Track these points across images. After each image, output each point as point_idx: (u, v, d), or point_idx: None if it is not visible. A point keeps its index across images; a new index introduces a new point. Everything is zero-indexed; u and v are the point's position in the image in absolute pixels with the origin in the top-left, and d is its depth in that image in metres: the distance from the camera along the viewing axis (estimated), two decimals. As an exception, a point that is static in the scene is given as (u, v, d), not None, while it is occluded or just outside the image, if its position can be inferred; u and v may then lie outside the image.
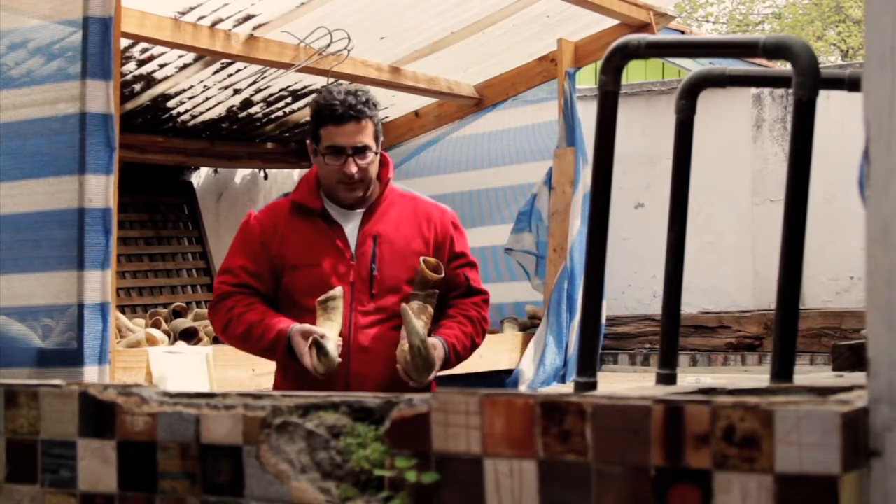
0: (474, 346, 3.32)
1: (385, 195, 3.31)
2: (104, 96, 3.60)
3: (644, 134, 7.94)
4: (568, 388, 6.03)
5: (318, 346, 3.02)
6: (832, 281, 7.77)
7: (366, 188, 3.26)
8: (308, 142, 3.32)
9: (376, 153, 3.25)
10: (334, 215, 3.28)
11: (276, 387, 3.33)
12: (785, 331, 2.02)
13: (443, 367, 3.21)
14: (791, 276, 2.03)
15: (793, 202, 2.03)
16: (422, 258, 3.20)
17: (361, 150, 3.21)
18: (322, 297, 3.09)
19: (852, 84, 2.29)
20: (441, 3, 6.36)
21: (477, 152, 7.73)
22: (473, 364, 5.23)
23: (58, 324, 3.68)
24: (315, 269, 3.23)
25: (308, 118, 7.46)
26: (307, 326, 3.10)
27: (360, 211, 3.29)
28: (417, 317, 3.10)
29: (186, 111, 7.05)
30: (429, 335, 3.17)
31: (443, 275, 3.19)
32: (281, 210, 3.33)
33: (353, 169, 3.19)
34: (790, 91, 2.09)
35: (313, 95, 7.13)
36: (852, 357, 2.75)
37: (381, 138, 3.29)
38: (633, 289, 8.30)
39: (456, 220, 3.40)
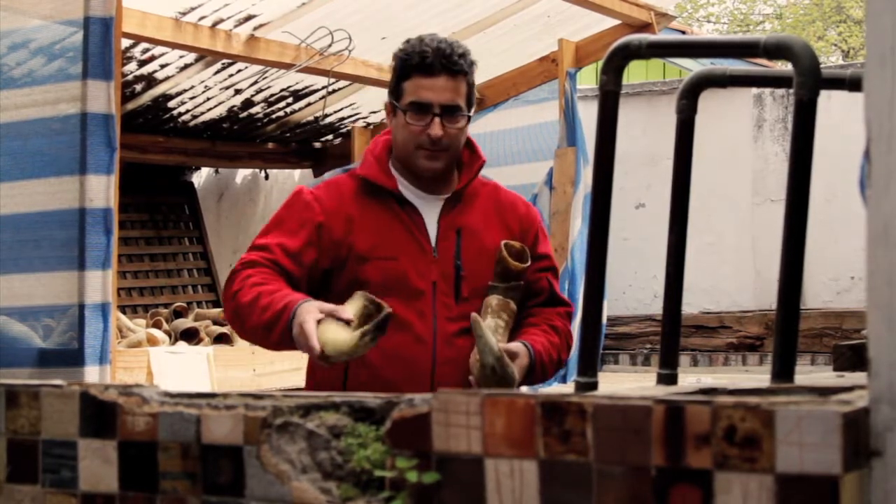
0: (560, 363, 2.77)
1: (473, 183, 2.80)
2: (105, 96, 3.60)
3: (645, 134, 7.93)
4: (569, 388, 6.03)
5: (380, 325, 2.40)
6: (833, 281, 7.77)
7: (449, 160, 2.74)
8: (386, 101, 2.79)
9: (468, 119, 2.73)
10: (411, 199, 2.75)
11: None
12: (786, 331, 2.02)
13: (527, 379, 2.67)
14: (792, 276, 2.02)
15: (793, 202, 2.03)
16: (503, 242, 2.66)
17: (451, 111, 2.68)
18: (377, 300, 2.49)
19: (853, 84, 2.29)
20: (442, 3, 6.36)
21: (478, 152, 7.72)
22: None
23: (59, 324, 3.68)
24: (391, 262, 2.68)
25: (308, 119, 7.49)
26: (330, 305, 2.50)
27: (441, 197, 2.77)
28: (497, 315, 2.61)
29: (187, 111, 7.05)
30: (509, 339, 2.66)
31: (528, 263, 2.67)
32: (344, 187, 2.76)
33: (439, 131, 2.66)
34: (791, 91, 2.09)
35: (315, 95, 7.17)
36: (853, 357, 2.75)
37: (474, 105, 2.77)
38: (633, 289, 8.30)
39: (541, 218, 2.94)
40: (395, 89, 2.73)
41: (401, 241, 2.71)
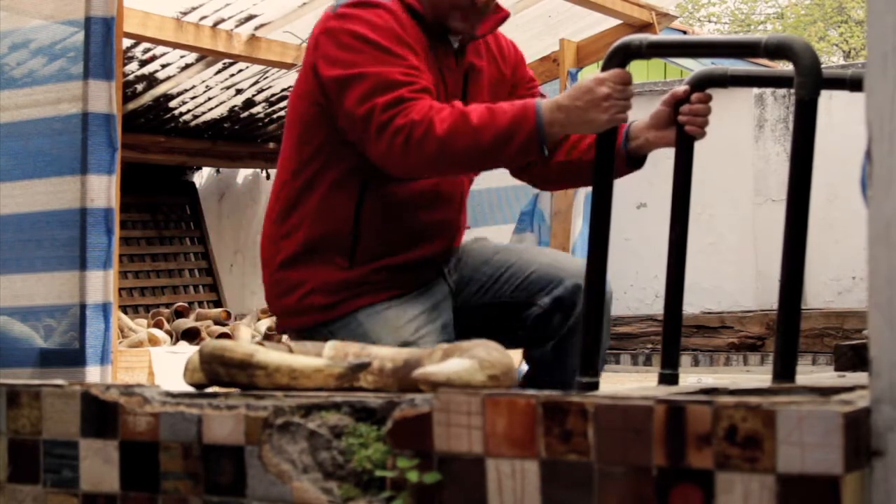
0: None
1: None
2: (106, 96, 3.60)
3: (646, 134, 7.93)
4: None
5: None
6: (834, 281, 7.76)
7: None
8: None
9: None
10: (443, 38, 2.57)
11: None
12: (787, 331, 2.02)
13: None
14: (793, 276, 2.03)
15: (794, 202, 2.03)
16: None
17: None
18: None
19: (854, 84, 2.29)
20: (443, 3, 6.35)
21: (479, 152, 7.72)
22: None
23: (60, 324, 3.68)
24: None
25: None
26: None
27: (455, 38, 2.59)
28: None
29: (188, 111, 7.05)
30: None
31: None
32: (399, 13, 2.49)
33: None
34: (792, 91, 2.09)
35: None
36: (854, 357, 2.75)
37: None
38: (634, 289, 8.30)
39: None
40: None
41: (439, 81, 2.53)
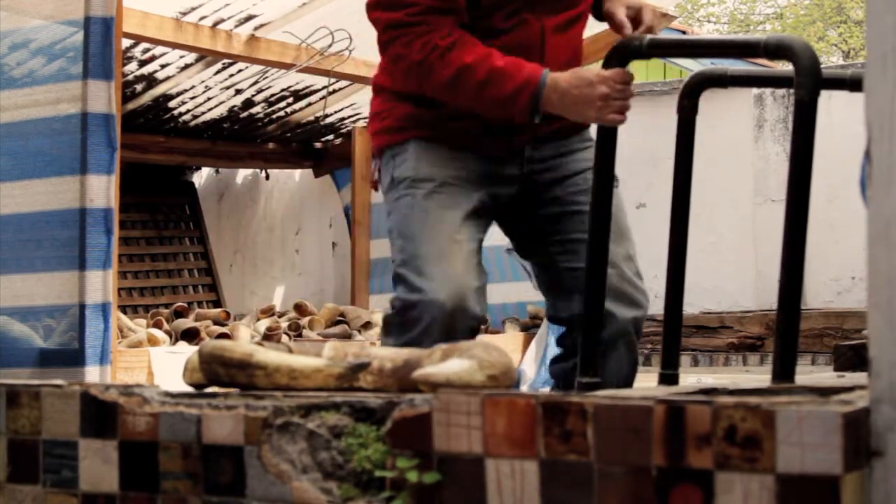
0: None
1: None
2: (106, 96, 3.60)
3: (646, 134, 7.94)
4: (569, 388, 6.02)
5: None
6: (834, 281, 7.77)
7: None
8: None
9: None
10: None
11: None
12: (786, 331, 2.02)
13: None
14: (792, 277, 2.03)
15: (794, 202, 2.03)
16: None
17: None
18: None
19: (854, 84, 2.29)
20: (443, 4, 6.35)
21: (479, 152, 7.71)
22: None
23: (59, 324, 3.68)
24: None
25: (308, 119, 7.49)
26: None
27: None
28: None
29: (188, 111, 7.06)
30: None
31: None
32: None
33: None
34: (791, 91, 2.09)
35: (315, 95, 7.17)
36: (854, 357, 2.75)
37: None
38: (634, 289, 8.29)
39: None
40: None
41: None
